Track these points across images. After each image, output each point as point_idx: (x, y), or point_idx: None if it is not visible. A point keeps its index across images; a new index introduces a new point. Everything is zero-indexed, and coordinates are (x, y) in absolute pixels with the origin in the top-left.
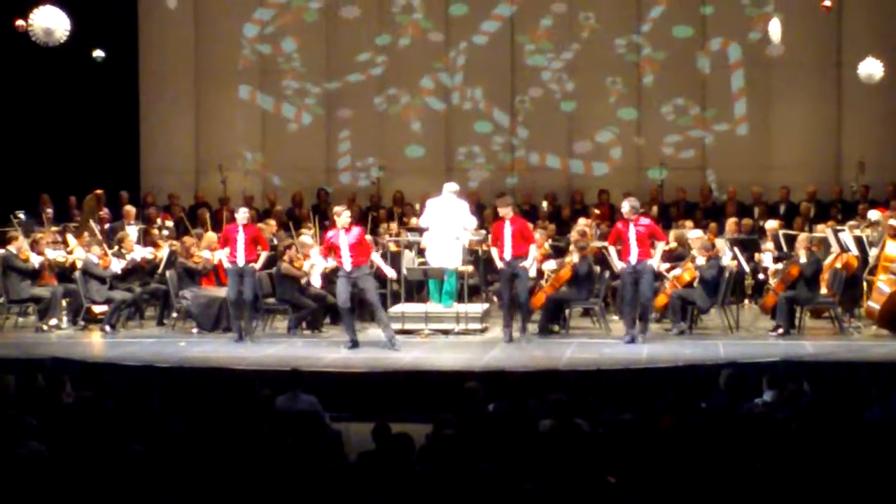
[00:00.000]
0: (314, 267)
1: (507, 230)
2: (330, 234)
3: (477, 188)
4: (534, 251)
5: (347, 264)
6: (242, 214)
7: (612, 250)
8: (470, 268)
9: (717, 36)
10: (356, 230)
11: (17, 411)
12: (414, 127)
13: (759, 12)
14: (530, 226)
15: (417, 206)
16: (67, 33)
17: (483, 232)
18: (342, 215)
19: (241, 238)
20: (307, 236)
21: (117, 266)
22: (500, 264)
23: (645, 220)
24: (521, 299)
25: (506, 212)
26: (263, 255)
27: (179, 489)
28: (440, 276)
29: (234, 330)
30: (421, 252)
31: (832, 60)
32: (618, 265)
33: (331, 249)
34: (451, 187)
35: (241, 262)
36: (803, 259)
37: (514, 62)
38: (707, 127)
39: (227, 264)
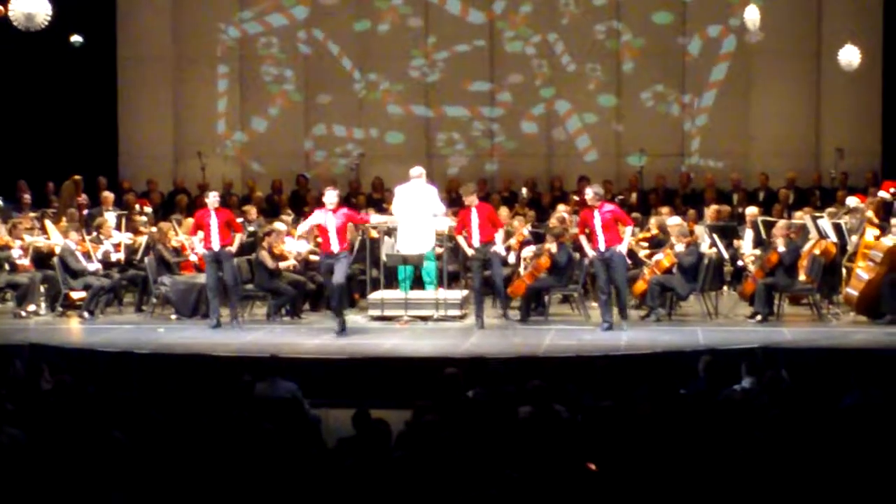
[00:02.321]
0: (291, 253)
1: (474, 217)
2: (317, 214)
3: (456, 174)
4: (501, 235)
5: (335, 246)
6: (213, 199)
7: (583, 239)
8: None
9: (697, 22)
10: (344, 211)
11: None
12: (393, 113)
13: None
14: (504, 211)
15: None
16: (49, 18)
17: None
18: (328, 195)
19: (213, 222)
20: (282, 223)
21: (93, 266)
22: (470, 251)
23: (609, 206)
24: (497, 284)
25: (471, 200)
26: (238, 237)
27: (158, 475)
28: (419, 261)
29: (211, 316)
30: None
31: (811, 48)
32: (590, 253)
33: (317, 230)
34: (416, 171)
35: (216, 246)
36: (781, 247)
37: (494, 48)
38: (686, 113)
39: (202, 250)
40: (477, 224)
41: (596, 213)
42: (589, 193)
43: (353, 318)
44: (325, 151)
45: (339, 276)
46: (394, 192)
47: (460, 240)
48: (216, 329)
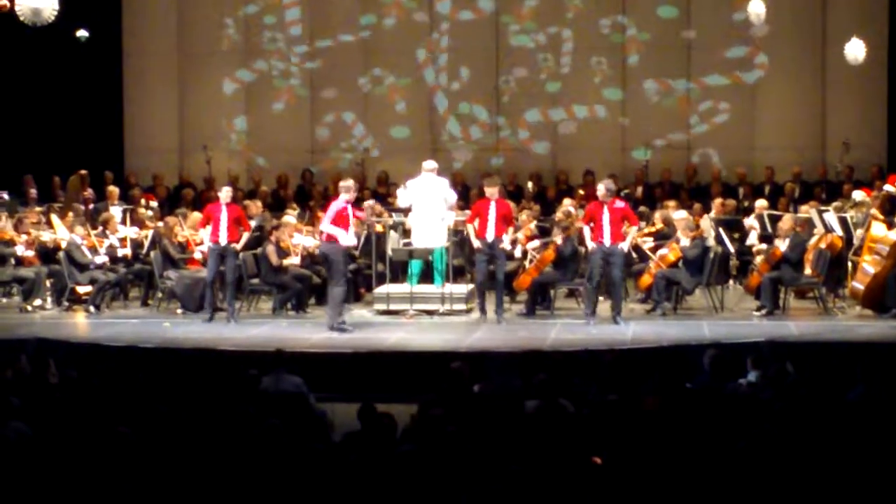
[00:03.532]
0: (297, 247)
1: (492, 211)
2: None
3: (461, 168)
4: (510, 233)
5: (353, 238)
6: (226, 193)
7: (586, 230)
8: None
9: (702, 16)
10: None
11: (0, 392)
12: (398, 107)
13: None
14: (513, 207)
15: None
16: (56, 12)
17: (468, 212)
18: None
19: (224, 217)
20: (291, 216)
21: (100, 259)
22: (478, 243)
23: (620, 204)
24: (499, 278)
25: (492, 192)
26: (245, 235)
27: (164, 470)
28: (425, 256)
29: (206, 309)
30: (406, 233)
31: (817, 41)
32: (589, 245)
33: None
34: (429, 165)
35: (223, 241)
36: (784, 246)
37: (499, 42)
38: (692, 107)
39: (208, 243)
40: (494, 219)
41: (605, 208)
42: (601, 189)
43: (358, 312)
44: (330, 146)
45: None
46: (400, 186)
47: (469, 229)
48: (211, 323)
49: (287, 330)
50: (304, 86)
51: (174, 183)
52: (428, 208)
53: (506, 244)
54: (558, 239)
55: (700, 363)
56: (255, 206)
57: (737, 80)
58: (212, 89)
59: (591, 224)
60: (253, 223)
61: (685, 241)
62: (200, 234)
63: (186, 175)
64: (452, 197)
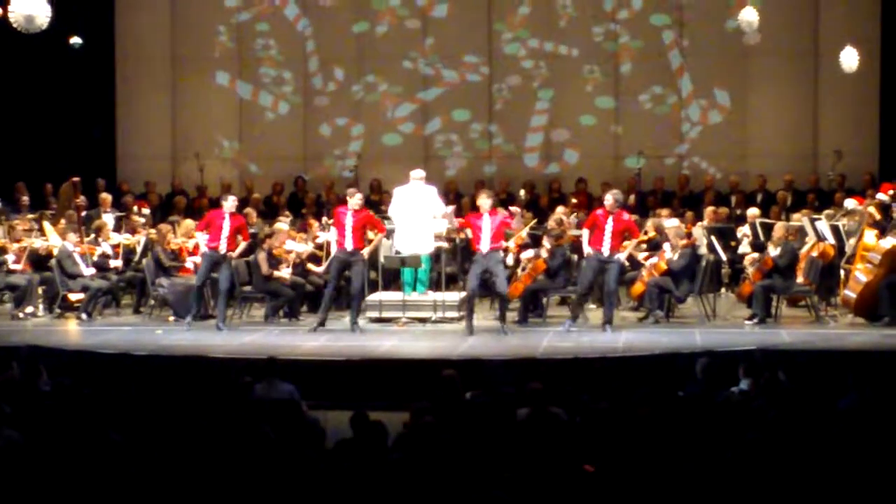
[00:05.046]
0: (291, 254)
1: (487, 223)
2: (340, 209)
3: (454, 176)
4: (518, 219)
5: (349, 244)
6: (231, 203)
7: (585, 234)
8: (445, 244)
9: (695, 24)
10: (363, 214)
11: None
12: (391, 114)
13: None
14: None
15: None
16: (49, 19)
17: (457, 221)
18: (355, 197)
19: (226, 226)
20: (283, 223)
21: (88, 271)
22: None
23: (625, 216)
24: (501, 291)
25: (484, 206)
26: (243, 244)
27: (156, 477)
28: (417, 264)
29: (190, 312)
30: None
31: (809, 49)
32: (586, 250)
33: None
34: (417, 174)
35: (222, 249)
36: (774, 253)
37: (492, 50)
38: (684, 115)
39: (205, 248)
40: (490, 233)
41: (610, 218)
42: (609, 199)
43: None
44: (323, 153)
45: (359, 282)
46: (392, 194)
47: (468, 233)
48: (196, 323)
49: (279, 337)
50: (297, 93)
51: (166, 190)
52: (414, 215)
53: (505, 253)
54: (544, 252)
55: (692, 371)
56: (250, 216)
57: (729, 88)
58: (204, 96)
59: (592, 229)
60: (251, 231)
61: (670, 254)
62: (197, 238)
63: (179, 182)
64: (442, 208)
